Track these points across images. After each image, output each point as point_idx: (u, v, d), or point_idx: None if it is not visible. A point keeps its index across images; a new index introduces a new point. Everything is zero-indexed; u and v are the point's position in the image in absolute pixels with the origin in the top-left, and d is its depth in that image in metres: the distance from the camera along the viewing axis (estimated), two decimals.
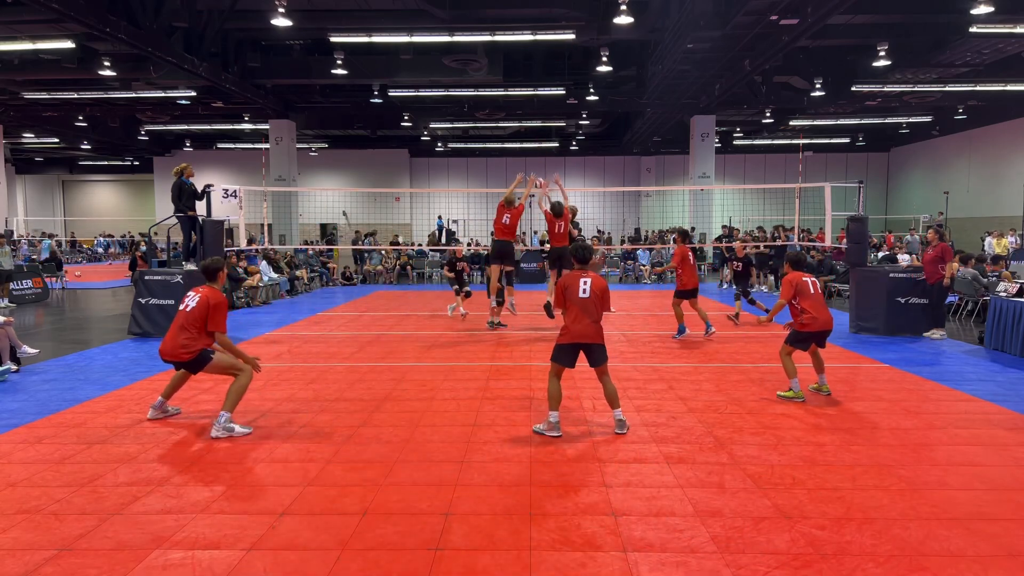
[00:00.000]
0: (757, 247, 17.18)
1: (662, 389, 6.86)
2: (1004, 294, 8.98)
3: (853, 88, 21.05)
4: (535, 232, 29.77)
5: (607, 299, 5.42)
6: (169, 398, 5.93)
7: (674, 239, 10.54)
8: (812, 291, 6.31)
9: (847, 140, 34.01)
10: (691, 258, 9.95)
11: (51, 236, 31.18)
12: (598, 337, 5.32)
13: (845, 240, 11.32)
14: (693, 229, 23.98)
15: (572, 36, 17.30)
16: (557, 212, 9.77)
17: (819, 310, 6.24)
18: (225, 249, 11.26)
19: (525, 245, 23.85)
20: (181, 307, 5.57)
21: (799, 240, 16.04)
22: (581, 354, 5.40)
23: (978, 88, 21.43)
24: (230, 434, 5.34)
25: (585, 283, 5.34)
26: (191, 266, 10.49)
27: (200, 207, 10.79)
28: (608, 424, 5.63)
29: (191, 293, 5.62)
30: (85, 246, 35.14)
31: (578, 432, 5.43)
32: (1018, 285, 8.96)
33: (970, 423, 5.66)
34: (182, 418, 5.83)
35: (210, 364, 5.48)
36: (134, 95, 22.52)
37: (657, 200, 34.98)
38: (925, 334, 9.96)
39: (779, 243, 16.66)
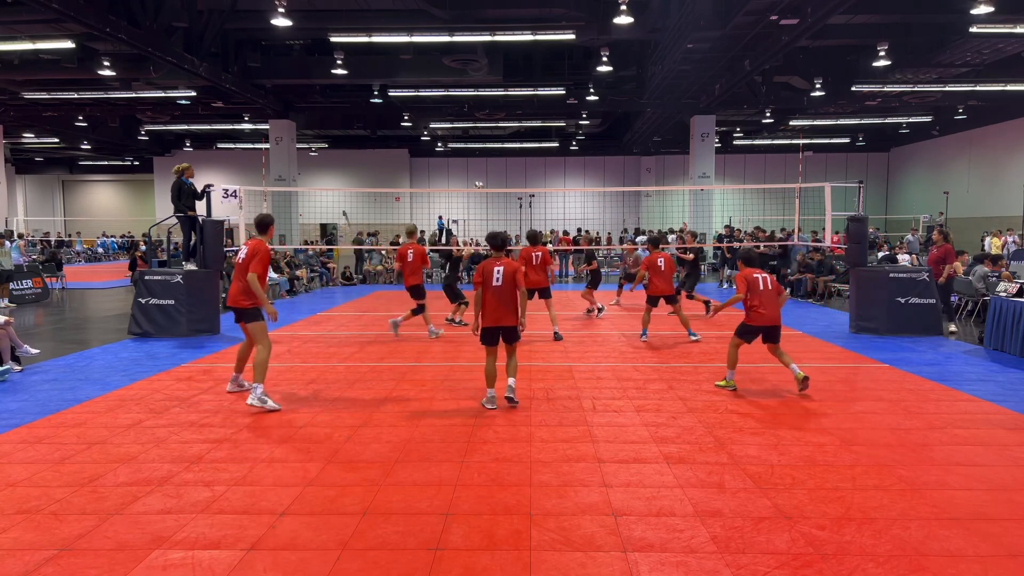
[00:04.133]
0: (757, 247, 17.18)
1: (662, 389, 6.86)
2: (1004, 294, 8.98)
3: (853, 88, 21.05)
4: None
5: (520, 279, 5.99)
6: (241, 372, 6.59)
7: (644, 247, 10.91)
8: (762, 287, 6.55)
9: (847, 140, 34.02)
10: (662, 265, 9.63)
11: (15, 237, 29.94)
12: (513, 320, 6.02)
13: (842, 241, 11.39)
14: (680, 230, 24.01)
15: (572, 36, 17.30)
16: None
17: (767, 306, 6.50)
18: (225, 249, 11.26)
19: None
20: (236, 260, 6.27)
21: (799, 240, 16.02)
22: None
23: (978, 88, 21.44)
24: (264, 405, 6.01)
25: (499, 272, 5.97)
26: (191, 266, 10.49)
27: (200, 207, 10.79)
28: (608, 424, 5.64)
29: (243, 246, 6.32)
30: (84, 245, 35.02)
31: (578, 432, 5.43)
32: (1018, 285, 8.95)
33: (970, 423, 5.66)
34: (182, 417, 5.83)
35: (254, 323, 6.17)
36: (134, 95, 22.53)
37: (657, 200, 34.99)
38: (945, 335, 10.11)
39: (780, 244, 16.66)
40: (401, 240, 11.51)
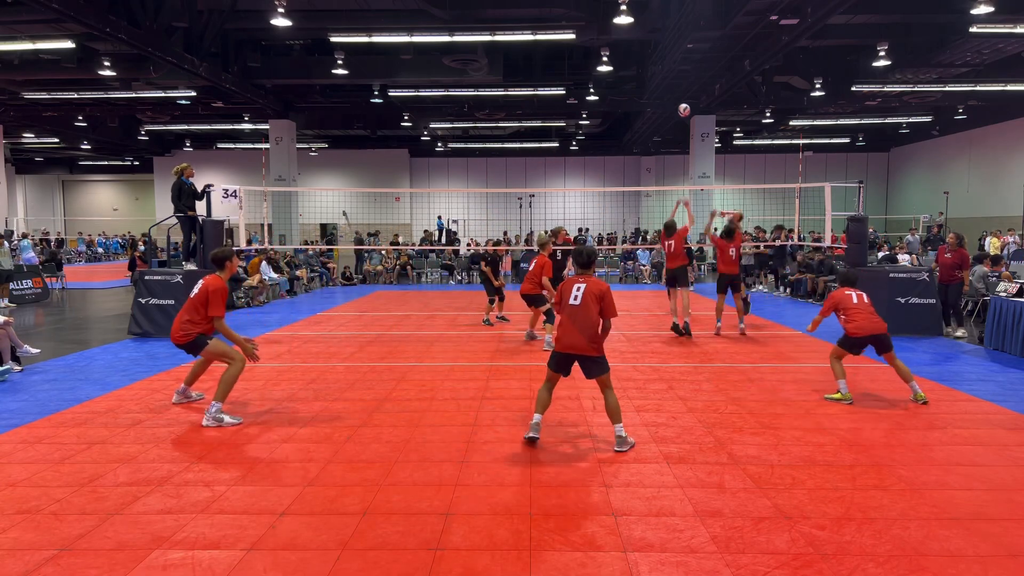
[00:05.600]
0: (757, 247, 17.18)
1: (662, 389, 6.86)
2: (1004, 294, 8.98)
3: (853, 88, 21.05)
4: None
5: (608, 305, 4.93)
6: (191, 385, 6.30)
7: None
8: (855, 301, 6.56)
9: (847, 140, 34.02)
10: (733, 254, 10.26)
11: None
12: (589, 349, 4.89)
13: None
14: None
15: (572, 36, 17.30)
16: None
17: (864, 317, 6.44)
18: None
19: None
20: (192, 294, 5.90)
21: (799, 240, 16.03)
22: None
23: (978, 88, 21.44)
24: (219, 424, 5.58)
25: (578, 289, 4.98)
26: (191, 266, 10.50)
27: (200, 207, 10.80)
28: (608, 424, 5.62)
29: (200, 281, 5.91)
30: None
31: (577, 432, 5.43)
32: (1018, 285, 8.96)
33: (970, 423, 5.66)
34: (182, 417, 5.83)
35: (205, 349, 5.79)
36: (134, 95, 22.53)
37: (657, 200, 34.98)
38: (955, 334, 10.09)
39: (778, 243, 16.66)
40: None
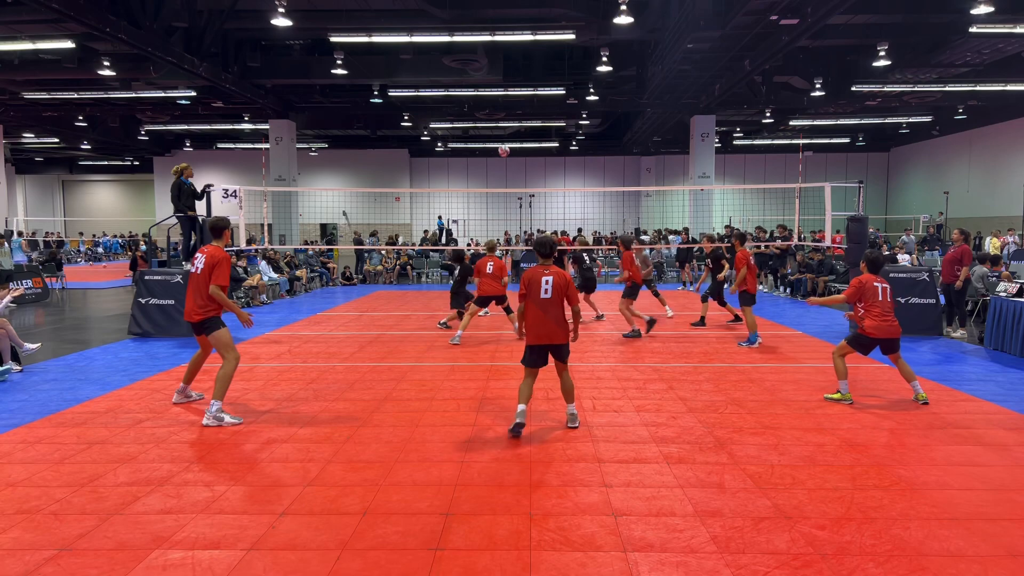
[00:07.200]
0: (758, 247, 17.18)
1: (662, 389, 6.86)
2: (1004, 294, 8.98)
3: (853, 88, 21.06)
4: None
5: (572, 294, 5.30)
6: (190, 383, 6.30)
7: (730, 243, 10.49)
8: (880, 297, 6.19)
9: (847, 140, 34.02)
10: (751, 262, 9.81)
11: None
12: (564, 337, 5.30)
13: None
14: (662, 231, 24.01)
15: (572, 36, 17.30)
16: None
17: (883, 318, 6.16)
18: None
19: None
20: (192, 270, 5.86)
21: (799, 240, 16.02)
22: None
23: (978, 88, 21.44)
24: (220, 423, 5.58)
25: (547, 282, 5.24)
26: (191, 266, 10.49)
27: (200, 207, 10.80)
28: (608, 424, 5.63)
29: (198, 255, 5.88)
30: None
31: (578, 432, 5.43)
32: (1018, 285, 8.95)
33: (970, 423, 5.66)
34: (182, 417, 5.83)
35: (214, 333, 5.77)
36: (134, 95, 22.54)
37: (657, 200, 34.99)
38: (953, 334, 10.02)
39: (779, 244, 16.67)
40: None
